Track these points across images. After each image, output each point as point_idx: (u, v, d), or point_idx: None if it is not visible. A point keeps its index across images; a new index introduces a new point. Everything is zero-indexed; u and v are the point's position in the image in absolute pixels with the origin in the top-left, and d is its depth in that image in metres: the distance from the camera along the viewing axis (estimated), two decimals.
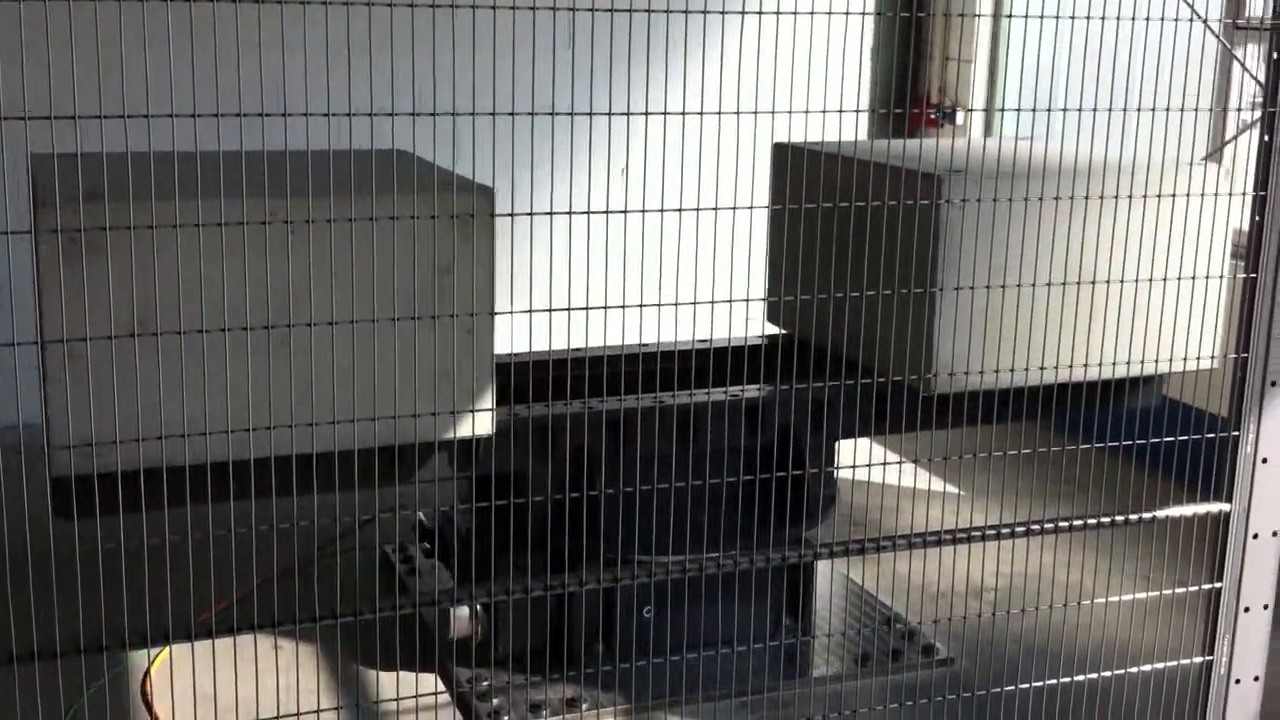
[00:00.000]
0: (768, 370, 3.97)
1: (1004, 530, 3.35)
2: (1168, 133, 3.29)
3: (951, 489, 5.55)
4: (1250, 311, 3.12)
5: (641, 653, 3.73)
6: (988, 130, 7.24)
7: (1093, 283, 3.75)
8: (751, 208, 3.36)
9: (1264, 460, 3.13)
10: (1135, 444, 3.80)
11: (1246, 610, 3.17)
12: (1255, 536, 3.16)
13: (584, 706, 3.55)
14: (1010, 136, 5.89)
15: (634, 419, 3.57)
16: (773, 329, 4.56)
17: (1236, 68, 5.38)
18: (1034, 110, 3.32)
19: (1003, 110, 7.07)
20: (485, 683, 3.61)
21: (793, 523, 3.76)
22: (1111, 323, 3.83)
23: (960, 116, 7.19)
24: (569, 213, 3.07)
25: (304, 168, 3.08)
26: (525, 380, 3.41)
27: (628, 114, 3.11)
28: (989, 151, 4.28)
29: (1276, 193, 3.10)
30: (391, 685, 3.68)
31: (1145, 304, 3.88)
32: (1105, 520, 3.29)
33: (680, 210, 3.13)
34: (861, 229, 3.90)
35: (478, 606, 3.56)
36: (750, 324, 4.66)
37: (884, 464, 3.49)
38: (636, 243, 2.99)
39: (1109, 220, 3.78)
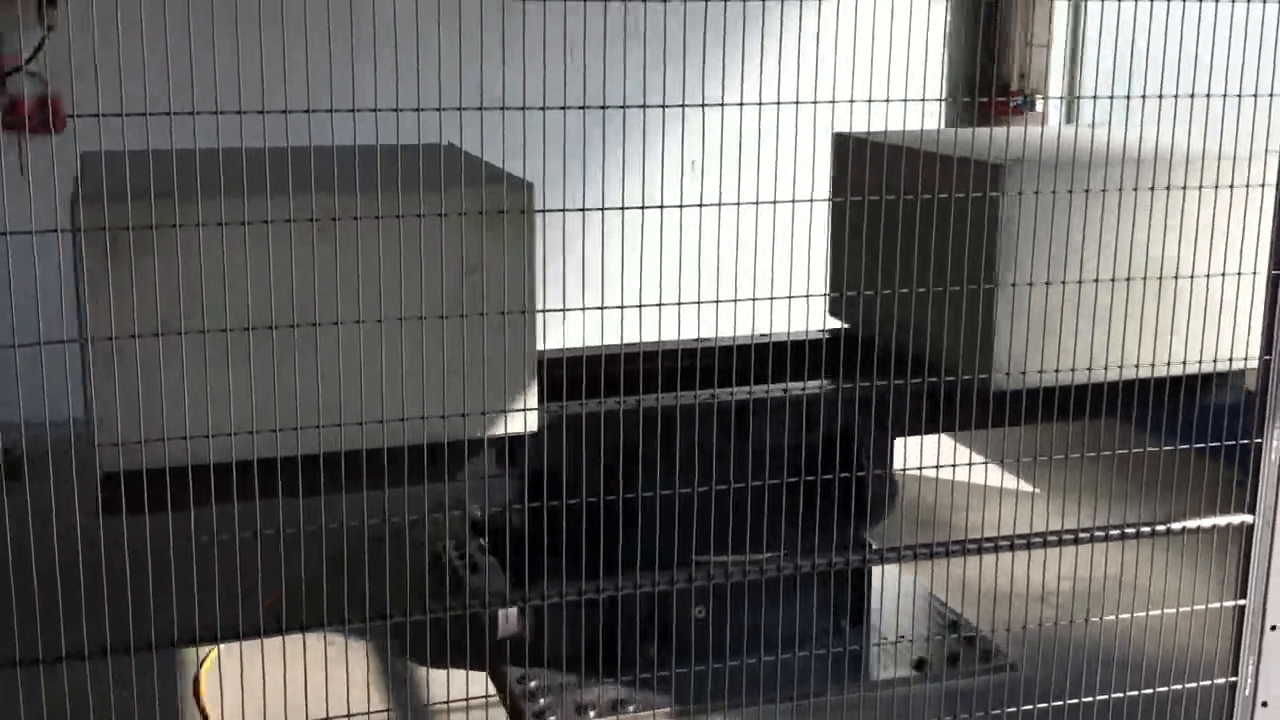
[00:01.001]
0: (825, 366, 3.89)
1: (1066, 536, 3.25)
2: (1255, 120, 3.13)
3: (1025, 487, 5.41)
4: (1274, 312, 2.91)
5: (692, 654, 3.67)
6: (1069, 118, 7.06)
7: (1159, 278, 3.62)
8: (793, 201, 3.24)
9: None
10: (1210, 444, 3.66)
11: (1273, 629, 2.99)
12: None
13: (632, 709, 3.51)
14: (1089, 124, 5.74)
15: (685, 415, 3.51)
16: (835, 323, 4.48)
17: None
18: (1111, 97, 3.19)
19: (1077, 98, 6.88)
20: (533, 683, 3.59)
21: (850, 523, 3.69)
22: (1182, 318, 3.69)
23: (1040, 103, 7.02)
24: (613, 208, 3.03)
25: (345, 164, 3.06)
26: (575, 376, 3.37)
27: (683, 105, 3.02)
28: (1059, 139, 4.15)
29: None
30: (442, 682, 3.67)
31: (1219, 298, 3.74)
32: (1145, 529, 3.11)
33: (737, 204, 3.07)
34: (922, 221, 3.80)
35: (527, 607, 3.53)
36: (812, 318, 4.59)
37: (937, 465, 3.37)
38: (695, 237, 2.93)
39: (1180, 211, 3.64)
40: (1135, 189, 3.47)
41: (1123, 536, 3.11)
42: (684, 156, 6.10)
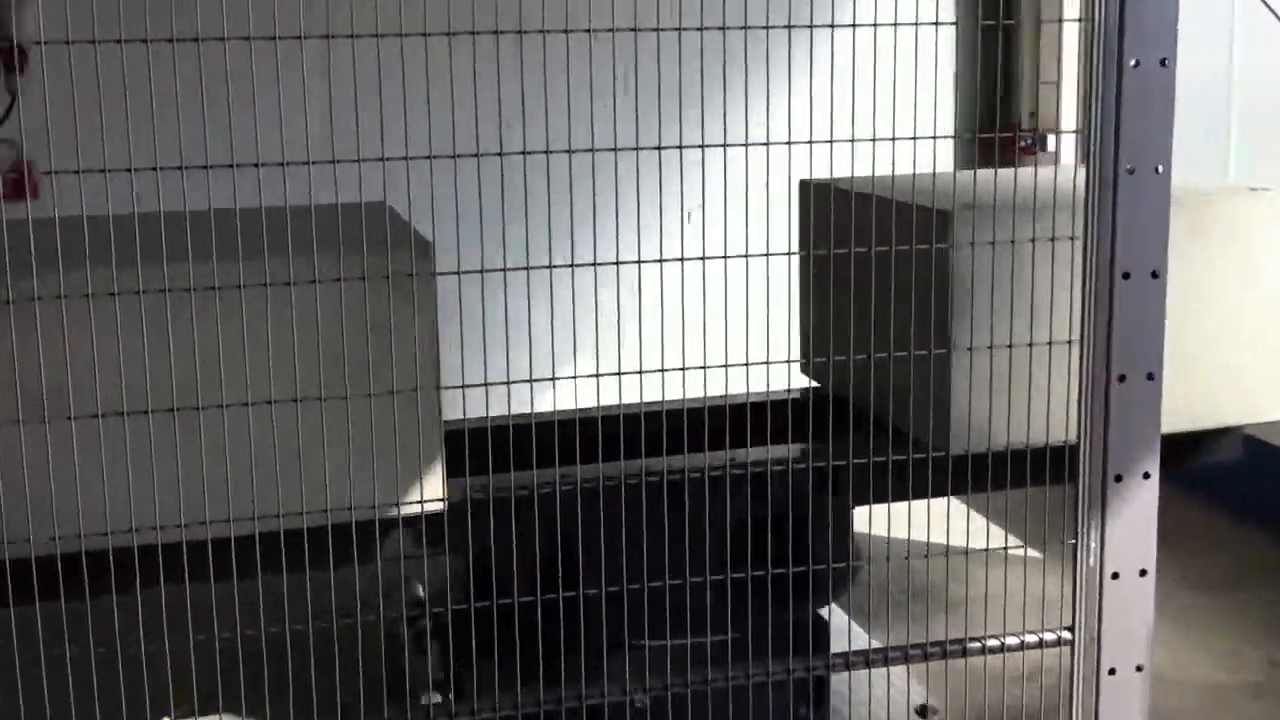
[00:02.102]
0: (772, 431, 3.62)
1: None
2: None
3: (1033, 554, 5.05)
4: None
5: None
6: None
7: None
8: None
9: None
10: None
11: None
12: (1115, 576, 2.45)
13: None
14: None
15: (617, 488, 3.24)
16: (807, 382, 4.21)
17: None
18: None
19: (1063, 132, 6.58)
20: None
21: (801, 601, 3.41)
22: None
23: (1051, 142, 6.72)
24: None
25: (249, 227, 2.84)
26: (499, 447, 3.14)
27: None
28: (1034, 182, 3.86)
29: None
30: None
31: (1212, 353, 3.44)
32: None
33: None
34: (879, 273, 3.53)
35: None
36: (786, 378, 4.32)
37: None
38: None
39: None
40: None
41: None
42: (682, 206, 5.89)
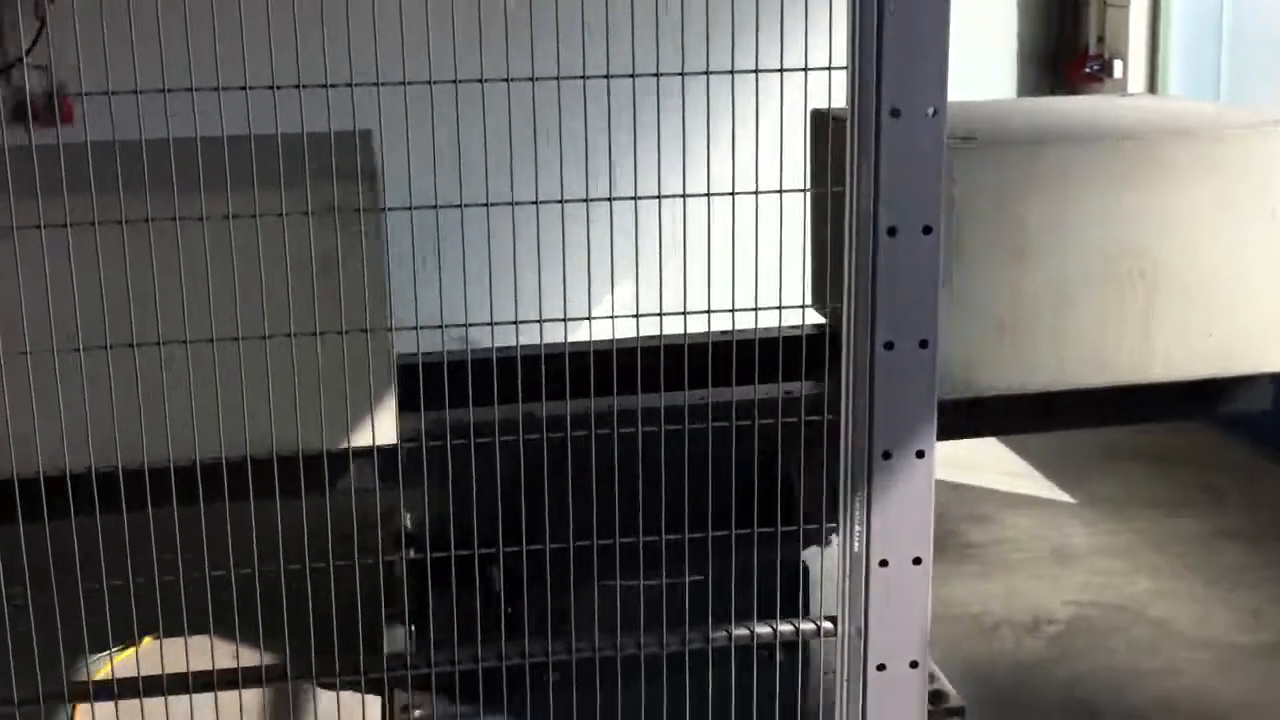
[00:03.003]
0: (760, 368, 3.48)
1: None
2: None
3: (1061, 496, 4.88)
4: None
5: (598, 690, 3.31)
6: (1151, 85, 6.42)
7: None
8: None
9: None
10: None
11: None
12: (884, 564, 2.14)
13: None
14: (1134, 94, 5.20)
15: (572, 425, 3.13)
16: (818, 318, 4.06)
17: None
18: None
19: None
20: (418, 712, 3.31)
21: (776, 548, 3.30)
22: (1172, 318, 3.20)
23: (1119, 69, 6.39)
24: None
25: (203, 157, 2.78)
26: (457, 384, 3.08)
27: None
28: (1046, 112, 3.65)
29: None
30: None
31: (1218, 298, 3.23)
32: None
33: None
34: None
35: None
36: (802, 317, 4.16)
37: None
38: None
39: (1166, 195, 3.14)
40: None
41: None
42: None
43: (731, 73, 2.05)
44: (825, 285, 4.04)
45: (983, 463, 5.10)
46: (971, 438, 4.15)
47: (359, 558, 2.76)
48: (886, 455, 1.82)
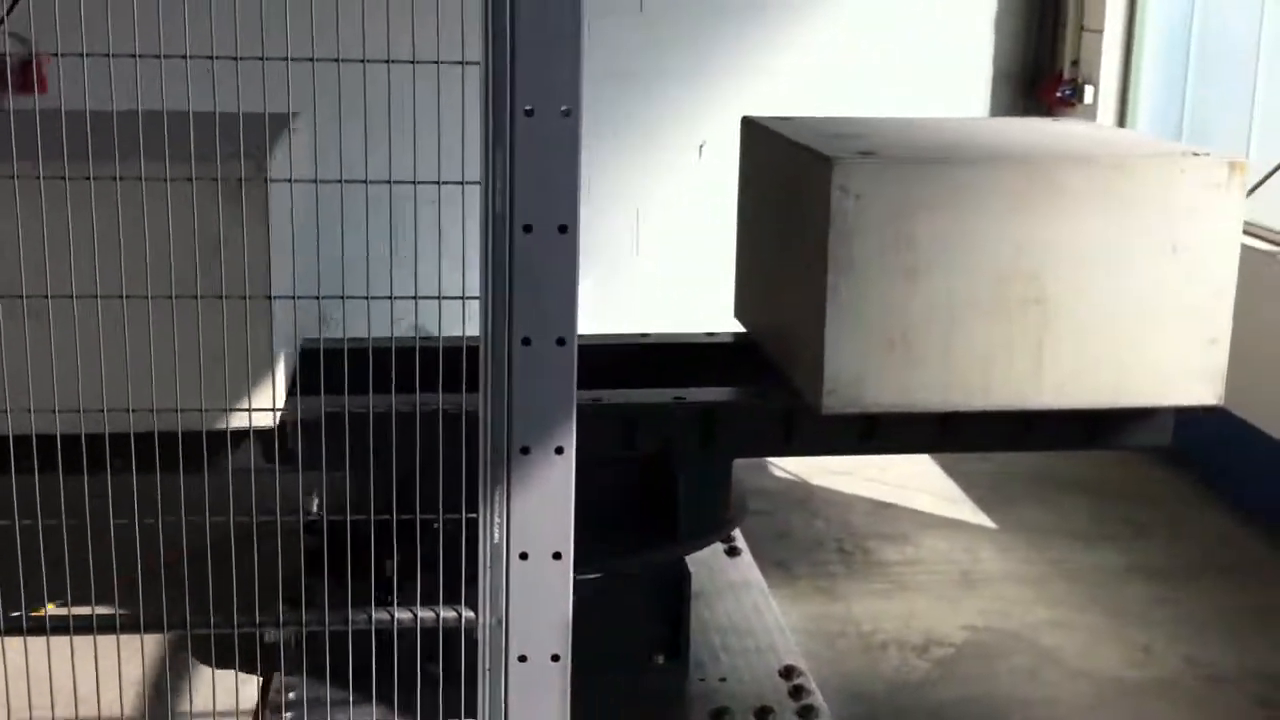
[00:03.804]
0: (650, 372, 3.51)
1: None
2: None
3: (984, 521, 4.87)
4: None
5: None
6: (1121, 112, 6.40)
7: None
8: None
9: None
10: None
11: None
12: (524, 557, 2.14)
13: None
14: (1065, 119, 5.19)
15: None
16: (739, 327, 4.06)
17: None
18: None
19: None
20: (290, 694, 3.32)
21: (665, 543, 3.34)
22: (1066, 345, 3.19)
23: (1090, 94, 6.37)
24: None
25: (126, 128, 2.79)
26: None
27: None
28: (955, 132, 3.64)
29: None
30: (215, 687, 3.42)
31: (1114, 329, 3.22)
32: None
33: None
34: (787, 219, 3.39)
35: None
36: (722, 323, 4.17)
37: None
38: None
39: (1063, 222, 3.13)
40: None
41: None
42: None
43: (363, 61, 2.03)
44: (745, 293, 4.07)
45: (914, 484, 5.09)
46: (869, 454, 4.16)
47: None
48: (525, 450, 1.87)
